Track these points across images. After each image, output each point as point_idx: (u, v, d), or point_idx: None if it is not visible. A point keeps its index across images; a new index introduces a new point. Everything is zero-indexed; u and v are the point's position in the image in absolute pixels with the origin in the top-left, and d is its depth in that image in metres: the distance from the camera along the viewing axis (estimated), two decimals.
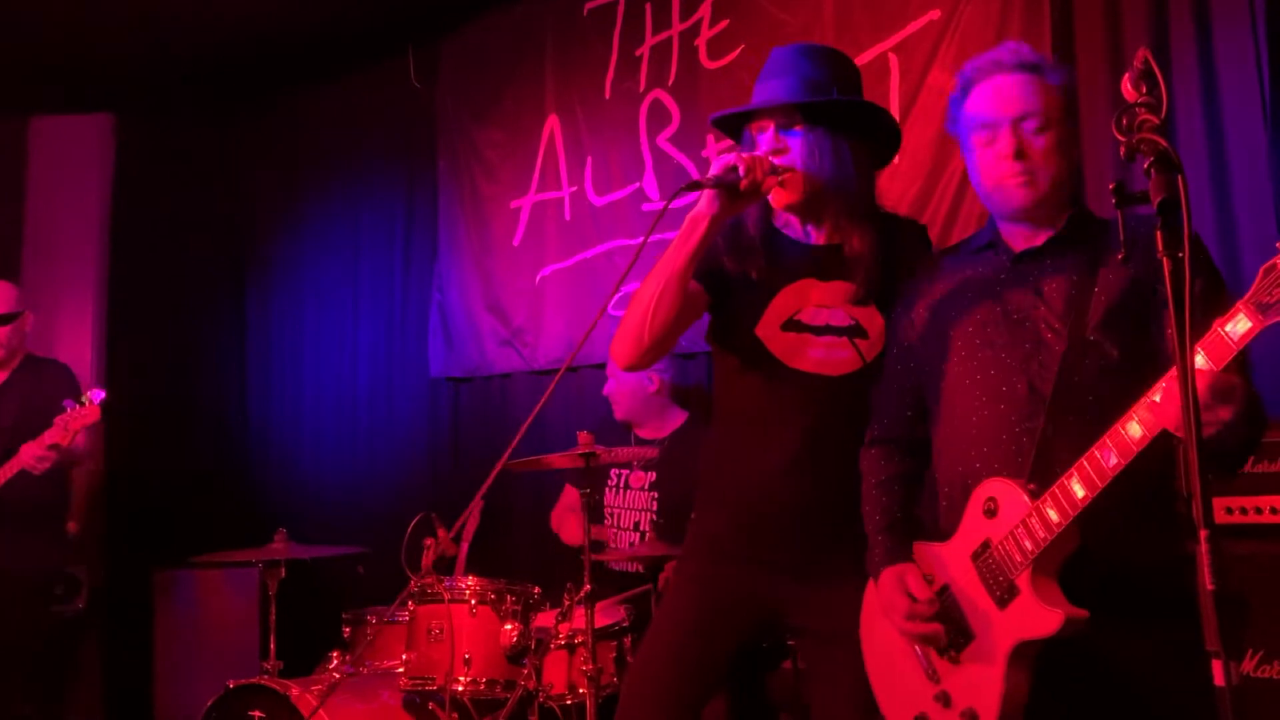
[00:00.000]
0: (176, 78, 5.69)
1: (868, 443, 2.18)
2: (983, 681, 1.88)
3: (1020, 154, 1.93)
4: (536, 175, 4.89)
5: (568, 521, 3.91)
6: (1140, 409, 1.68)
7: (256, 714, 3.26)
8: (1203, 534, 1.32)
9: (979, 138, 1.98)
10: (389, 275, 5.44)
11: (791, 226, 2.29)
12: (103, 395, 3.63)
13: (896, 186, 3.82)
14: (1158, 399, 1.65)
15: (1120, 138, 1.50)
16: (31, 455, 3.64)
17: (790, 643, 2.97)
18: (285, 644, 3.57)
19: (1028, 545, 1.81)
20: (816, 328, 2.22)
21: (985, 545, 1.89)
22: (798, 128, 2.19)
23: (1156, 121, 1.47)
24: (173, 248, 5.90)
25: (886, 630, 2.06)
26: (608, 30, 4.69)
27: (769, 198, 2.20)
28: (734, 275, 2.26)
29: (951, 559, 1.96)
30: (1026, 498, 1.83)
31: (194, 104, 5.91)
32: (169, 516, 5.43)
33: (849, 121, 2.23)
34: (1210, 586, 1.31)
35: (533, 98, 4.92)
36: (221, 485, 5.58)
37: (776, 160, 2.16)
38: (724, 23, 4.32)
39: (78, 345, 5.36)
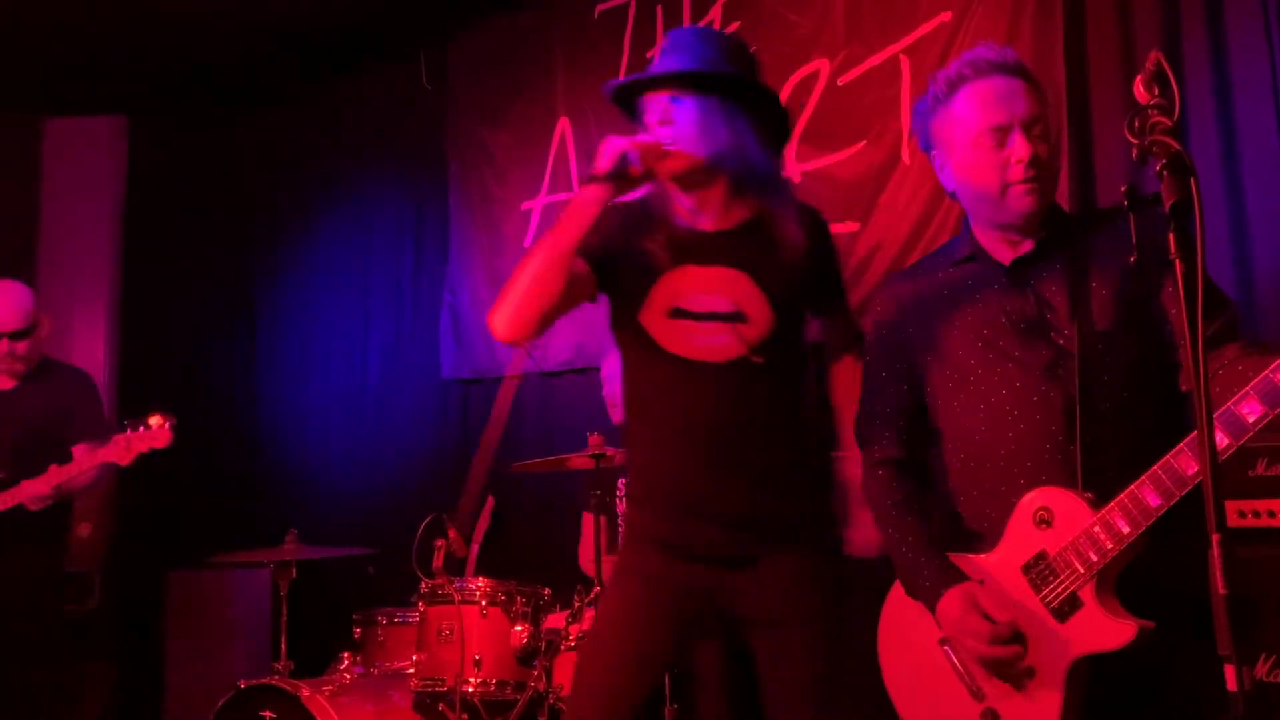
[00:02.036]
0: (188, 79, 5.71)
1: (869, 466, 2.13)
2: (1038, 697, 1.82)
3: (1035, 160, 1.89)
4: (548, 177, 4.89)
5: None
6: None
7: (268, 714, 3.27)
8: (1215, 538, 1.31)
9: (985, 141, 1.91)
10: (399, 277, 5.45)
11: (680, 210, 2.24)
12: (174, 421, 3.60)
13: (906, 189, 3.83)
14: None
15: (1132, 140, 1.49)
16: (31, 493, 3.61)
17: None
18: (296, 644, 3.58)
19: (1092, 557, 1.77)
20: (699, 314, 2.18)
21: (1040, 557, 1.84)
22: (688, 98, 2.16)
23: (1169, 124, 1.45)
24: (185, 248, 5.92)
25: (916, 645, 2.00)
26: (618, 32, 4.69)
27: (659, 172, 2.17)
28: (622, 259, 2.23)
29: (998, 572, 1.90)
30: (1088, 508, 1.78)
31: (205, 106, 5.93)
32: (181, 517, 5.45)
33: (742, 101, 2.21)
34: (1222, 591, 1.30)
35: (543, 100, 4.93)
36: (233, 487, 5.59)
37: (662, 133, 2.14)
38: (734, 25, 4.32)
39: (91, 346, 5.39)
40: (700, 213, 2.23)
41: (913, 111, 2.07)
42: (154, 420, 3.60)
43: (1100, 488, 1.79)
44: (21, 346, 3.82)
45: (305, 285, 5.76)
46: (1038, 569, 1.85)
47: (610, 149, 2.08)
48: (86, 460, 3.64)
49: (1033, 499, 1.86)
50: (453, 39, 5.27)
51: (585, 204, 2.11)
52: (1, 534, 3.66)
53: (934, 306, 2.05)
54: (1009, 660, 1.84)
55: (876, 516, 2.10)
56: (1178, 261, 1.38)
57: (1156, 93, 1.50)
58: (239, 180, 5.96)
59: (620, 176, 2.09)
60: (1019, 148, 1.89)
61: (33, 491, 3.61)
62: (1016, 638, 1.84)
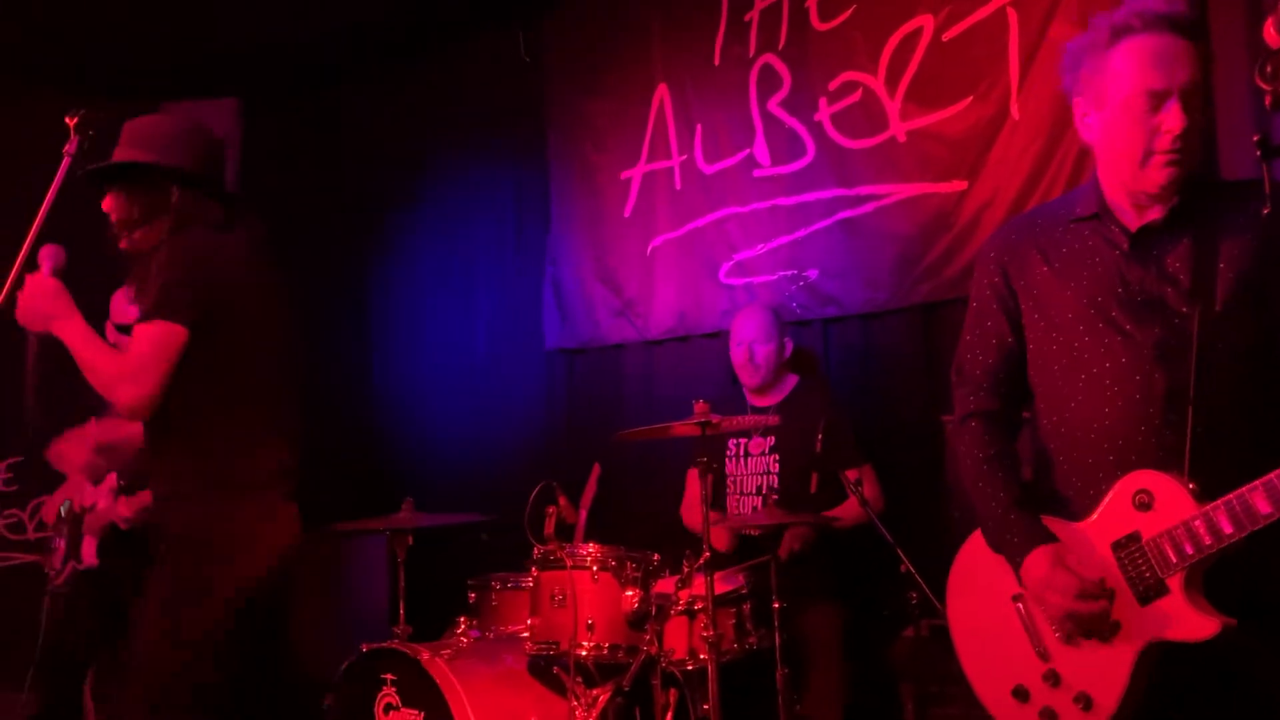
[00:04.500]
0: (295, 61, 5.84)
1: (961, 417, 2.11)
2: (1105, 670, 1.83)
3: (1186, 132, 1.79)
4: (646, 145, 4.89)
5: (698, 511, 3.89)
6: None
7: (389, 676, 3.37)
8: None
9: (1138, 103, 1.82)
10: (502, 249, 5.51)
11: None
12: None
13: (1016, 145, 3.73)
14: None
15: (1264, 86, 1.44)
16: (123, 511, 3.72)
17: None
18: (412, 609, 3.67)
19: (1188, 549, 1.74)
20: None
21: (1133, 538, 1.82)
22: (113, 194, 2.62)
23: None
24: (296, 225, 6.08)
25: (986, 598, 2.01)
26: None
27: None
28: None
29: (1087, 542, 1.89)
30: (1191, 500, 1.75)
31: (312, 87, 6.06)
32: (300, 487, 5.63)
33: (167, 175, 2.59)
34: None
35: (641, 67, 4.92)
36: (349, 456, 5.74)
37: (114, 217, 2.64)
38: None
39: None
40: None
41: (1063, 52, 1.97)
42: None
43: (1205, 478, 1.75)
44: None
45: (412, 258, 5.86)
46: (1129, 550, 1.83)
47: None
48: (123, 508, 3.72)
49: (1134, 480, 1.83)
50: (550, 10, 5.29)
51: None
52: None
53: (1049, 261, 1.99)
54: (1096, 615, 1.83)
55: (965, 468, 2.08)
56: None
57: None
58: (345, 158, 6.08)
59: None
60: (1173, 118, 1.80)
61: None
62: (1104, 593, 1.83)
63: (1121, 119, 1.85)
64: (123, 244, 2.63)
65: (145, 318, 2.48)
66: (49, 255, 2.56)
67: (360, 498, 4.66)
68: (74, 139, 2.41)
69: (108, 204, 2.63)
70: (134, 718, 2.50)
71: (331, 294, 6.05)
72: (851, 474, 3.48)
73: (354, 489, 5.44)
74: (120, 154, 2.60)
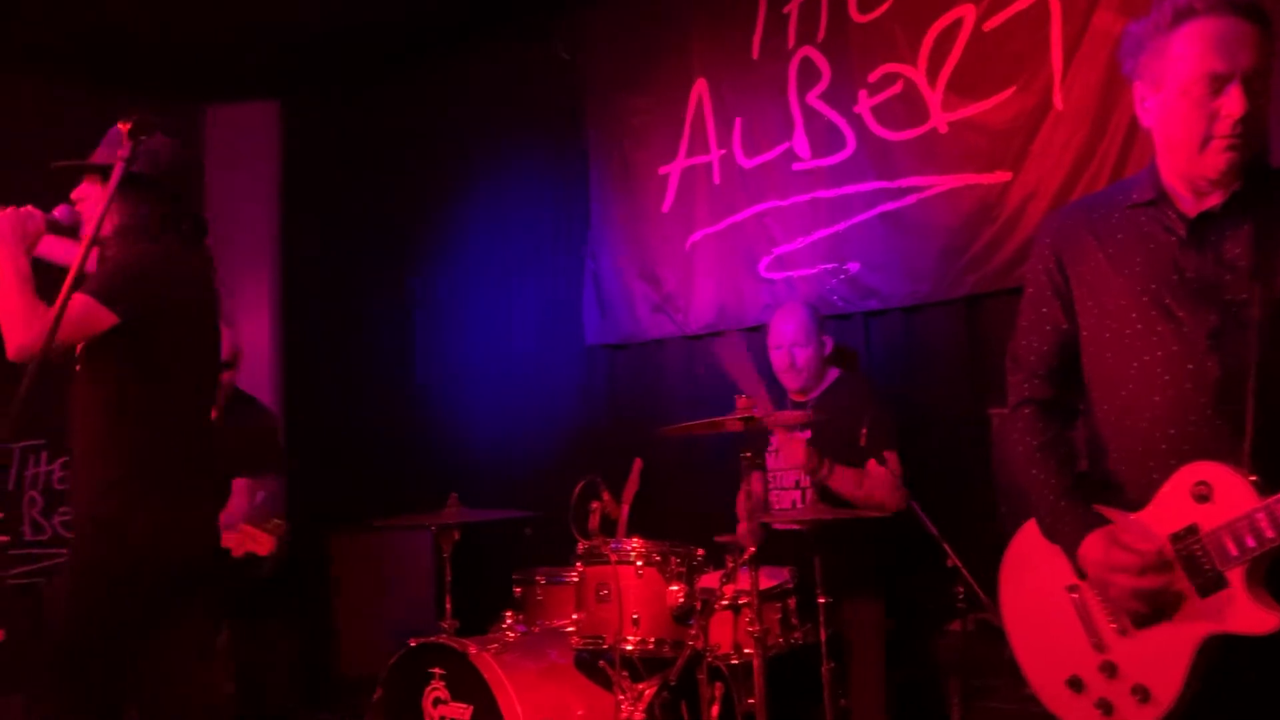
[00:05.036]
0: (333, 62, 5.89)
1: (1014, 404, 2.09)
2: (1163, 661, 1.81)
3: (1247, 117, 1.76)
4: (685, 140, 4.89)
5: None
6: None
7: (437, 670, 3.40)
8: None
9: (1198, 88, 1.79)
10: (542, 245, 5.53)
11: None
12: (284, 529, 3.80)
13: (1060, 135, 3.70)
14: None
15: None
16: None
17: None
18: (459, 604, 3.69)
19: (1249, 542, 1.72)
20: None
21: (1191, 530, 1.79)
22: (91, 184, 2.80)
23: None
24: (339, 224, 6.15)
25: (1039, 589, 2.00)
26: None
27: None
28: None
29: (1143, 534, 1.86)
30: (1253, 492, 1.73)
31: (351, 87, 6.11)
32: (346, 483, 5.70)
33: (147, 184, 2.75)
34: None
35: (679, 62, 4.92)
36: (395, 453, 5.80)
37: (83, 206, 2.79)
38: None
39: (256, 324, 5.66)
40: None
41: (1124, 34, 1.95)
42: (273, 524, 3.77)
43: (1265, 469, 1.72)
44: (224, 377, 4.03)
45: (454, 255, 5.89)
46: (1187, 542, 1.80)
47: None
48: (239, 497, 3.81)
49: (1193, 471, 1.80)
50: (588, 7, 5.30)
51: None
52: None
53: (1104, 248, 1.97)
54: (1161, 588, 1.81)
55: (1017, 456, 2.06)
56: None
57: None
58: (385, 157, 6.13)
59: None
60: (1233, 103, 1.77)
61: None
62: (1165, 565, 1.81)
63: (1181, 103, 1.82)
64: (90, 235, 2.68)
65: (84, 290, 2.61)
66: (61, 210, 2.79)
67: (406, 494, 4.71)
68: (127, 144, 2.45)
69: (81, 193, 2.82)
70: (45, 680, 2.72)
71: (375, 293, 6.12)
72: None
73: (400, 485, 5.50)
74: (107, 154, 2.75)
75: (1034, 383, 2.07)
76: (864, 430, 3.37)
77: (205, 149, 6.08)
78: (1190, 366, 1.83)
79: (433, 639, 3.48)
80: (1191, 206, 1.89)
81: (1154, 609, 1.83)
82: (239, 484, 3.98)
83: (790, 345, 3.80)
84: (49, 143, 5.14)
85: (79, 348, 2.75)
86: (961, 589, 3.12)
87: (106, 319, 2.63)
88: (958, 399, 3.97)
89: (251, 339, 4.50)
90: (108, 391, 2.71)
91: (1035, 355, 2.07)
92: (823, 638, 3.16)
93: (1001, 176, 3.83)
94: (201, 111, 6.10)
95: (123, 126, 2.46)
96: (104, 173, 2.77)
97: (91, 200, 2.81)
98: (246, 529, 3.74)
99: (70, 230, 2.80)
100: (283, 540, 3.75)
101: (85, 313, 2.60)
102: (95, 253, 2.77)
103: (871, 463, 3.44)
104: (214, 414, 4.02)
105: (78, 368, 2.77)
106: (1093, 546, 1.88)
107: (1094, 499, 1.95)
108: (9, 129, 5.37)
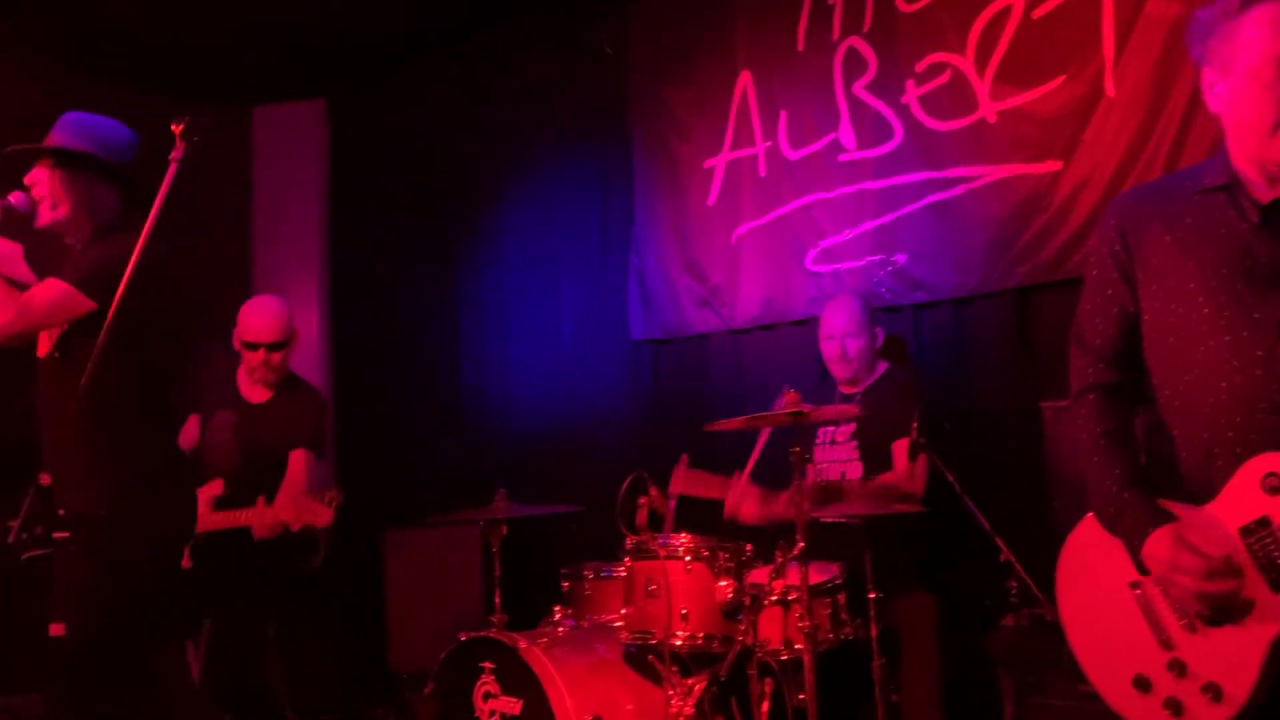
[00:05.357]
0: (379, 60, 5.94)
1: (1079, 390, 2.05)
2: (1235, 659, 1.77)
3: None
4: (730, 133, 4.87)
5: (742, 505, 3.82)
6: None
7: (487, 665, 3.42)
8: None
9: (1268, 72, 1.78)
10: (587, 240, 5.53)
11: None
12: (340, 501, 3.77)
13: (1113, 121, 3.64)
14: None
15: None
16: (249, 522, 3.80)
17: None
18: (507, 598, 3.70)
19: None
20: None
21: (1263, 523, 1.76)
22: (43, 168, 2.83)
23: None
24: (385, 221, 6.19)
25: (1099, 585, 1.96)
26: None
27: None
28: None
29: (1212, 526, 1.83)
30: None
31: (396, 86, 6.15)
32: (396, 479, 5.75)
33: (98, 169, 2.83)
34: None
35: (724, 55, 4.90)
36: (443, 449, 5.83)
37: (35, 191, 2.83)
38: None
39: (306, 321, 5.71)
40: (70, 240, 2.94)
41: (1192, 20, 1.92)
42: (329, 496, 3.76)
43: None
44: (277, 357, 4.07)
45: (500, 251, 5.91)
46: (1258, 535, 1.76)
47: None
48: (257, 519, 3.79)
49: (1264, 462, 1.77)
50: (632, 1, 5.29)
51: None
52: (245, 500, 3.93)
53: (1172, 232, 1.94)
54: (1227, 595, 1.77)
55: (1080, 443, 2.02)
56: None
57: None
58: (430, 153, 6.16)
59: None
60: None
61: (249, 521, 3.80)
62: (1233, 571, 1.77)
63: (1250, 88, 1.80)
64: (43, 221, 2.85)
65: (61, 278, 2.69)
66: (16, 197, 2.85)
67: (454, 490, 4.73)
68: (180, 145, 2.49)
69: (34, 178, 2.85)
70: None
71: (421, 291, 6.15)
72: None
73: (448, 481, 5.53)
74: (71, 141, 2.83)
75: (1100, 367, 2.03)
76: (914, 425, 3.33)
77: (252, 149, 6.15)
78: (1260, 354, 1.80)
79: (483, 633, 3.50)
80: (1264, 193, 1.86)
81: (1221, 610, 1.80)
82: (296, 458, 3.99)
83: (843, 335, 3.79)
84: None
85: (54, 336, 2.79)
86: (1015, 584, 3.08)
87: (84, 305, 2.69)
88: (1008, 392, 3.92)
89: (301, 337, 4.52)
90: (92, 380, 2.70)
91: (1101, 338, 2.03)
92: (874, 633, 3.14)
93: (1052, 166, 3.78)
94: (248, 112, 6.17)
95: (175, 127, 2.49)
96: (56, 156, 2.82)
97: (42, 185, 2.84)
98: (305, 501, 3.75)
99: (27, 217, 2.84)
100: (339, 511, 3.75)
101: (64, 299, 2.68)
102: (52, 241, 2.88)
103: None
104: (266, 393, 4.12)
105: (56, 355, 2.80)
106: (1158, 544, 1.85)
107: (1157, 491, 1.92)
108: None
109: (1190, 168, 2.10)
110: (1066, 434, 3.46)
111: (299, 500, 3.77)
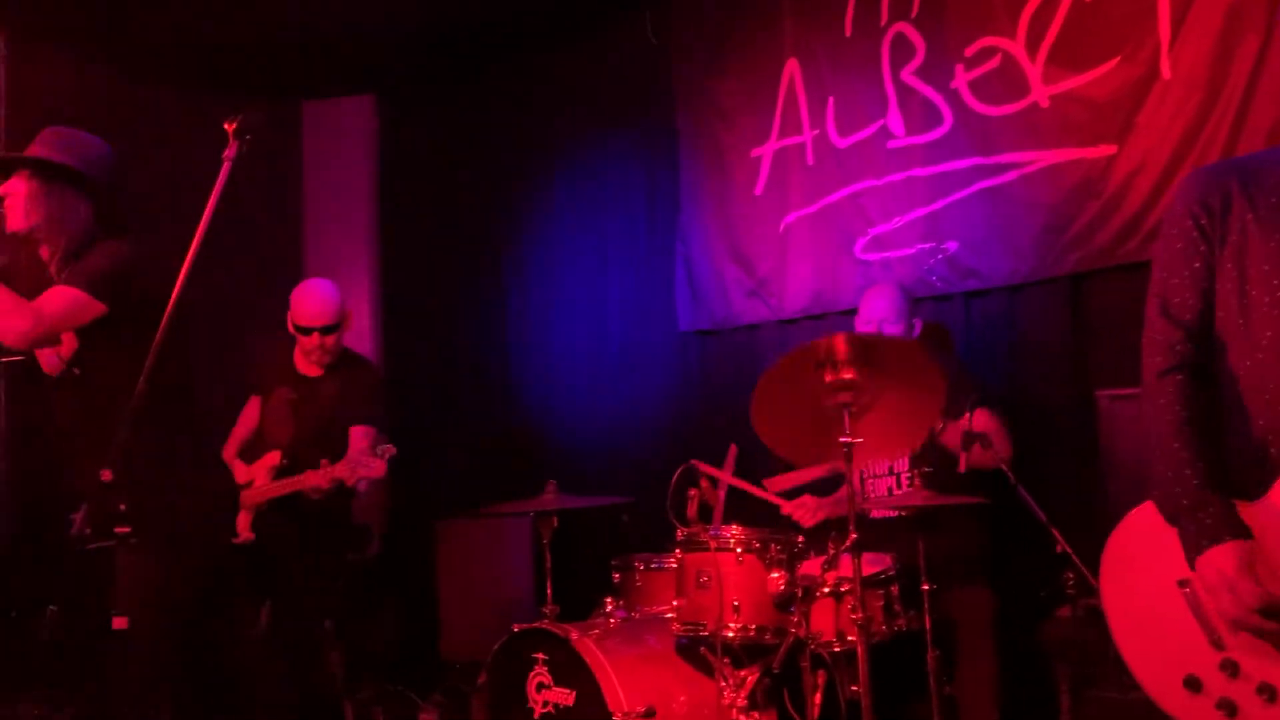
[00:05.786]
0: (427, 56, 5.96)
1: (1165, 369, 1.94)
2: None
3: None
4: (777, 121, 4.83)
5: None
6: None
7: (540, 656, 3.44)
8: None
9: None
10: (634, 232, 5.53)
11: None
12: (393, 451, 3.83)
13: (1168, 106, 3.57)
14: None
15: None
16: (313, 482, 3.86)
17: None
18: (558, 589, 3.72)
19: None
20: None
21: None
22: (20, 178, 2.86)
23: None
24: (434, 215, 6.23)
25: (1147, 580, 1.92)
26: None
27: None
28: None
29: (1266, 523, 1.78)
30: None
31: (444, 78, 6.18)
32: (448, 471, 5.80)
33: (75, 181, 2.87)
34: None
35: (770, 43, 4.87)
36: (493, 441, 5.87)
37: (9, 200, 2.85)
38: None
39: (357, 314, 5.74)
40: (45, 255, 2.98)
41: None
42: (380, 448, 3.82)
43: None
44: (330, 340, 4.14)
45: (548, 243, 5.92)
46: None
47: None
48: (313, 479, 3.85)
49: None
50: None
51: None
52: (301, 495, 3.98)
53: (1254, 208, 1.88)
54: (1266, 634, 1.74)
55: (1159, 426, 1.92)
56: None
57: None
58: (478, 147, 6.19)
59: None
60: None
61: (313, 482, 3.87)
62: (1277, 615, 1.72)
63: None
64: (11, 227, 2.89)
65: (71, 284, 2.76)
66: None
67: (505, 481, 4.76)
68: (233, 143, 2.50)
69: (8, 189, 2.88)
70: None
71: (472, 284, 6.18)
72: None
73: (499, 473, 5.57)
74: (50, 154, 2.88)
75: (1190, 345, 1.94)
76: (969, 416, 3.29)
77: (303, 144, 6.21)
78: None
79: (535, 624, 3.51)
80: None
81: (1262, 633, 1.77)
82: (355, 433, 4.05)
83: (880, 321, 3.76)
84: (146, 142, 5.37)
85: (66, 353, 2.86)
86: (1071, 575, 3.05)
87: (95, 309, 2.74)
88: (1062, 380, 3.87)
89: (352, 331, 4.57)
90: (116, 384, 2.72)
91: (1191, 313, 1.95)
92: (927, 625, 3.11)
93: (1106, 150, 3.72)
94: (298, 107, 6.22)
95: (228, 126, 2.51)
96: (34, 167, 2.87)
97: (17, 196, 2.88)
98: (357, 457, 3.83)
99: None
100: (391, 463, 3.80)
101: (76, 303, 2.73)
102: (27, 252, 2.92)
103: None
104: (320, 371, 4.18)
105: (75, 371, 2.87)
106: (1224, 557, 1.79)
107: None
108: (107, 130, 5.53)
109: (1273, 148, 2.04)
110: (1125, 421, 3.41)
111: (352, 457, 3.84)
